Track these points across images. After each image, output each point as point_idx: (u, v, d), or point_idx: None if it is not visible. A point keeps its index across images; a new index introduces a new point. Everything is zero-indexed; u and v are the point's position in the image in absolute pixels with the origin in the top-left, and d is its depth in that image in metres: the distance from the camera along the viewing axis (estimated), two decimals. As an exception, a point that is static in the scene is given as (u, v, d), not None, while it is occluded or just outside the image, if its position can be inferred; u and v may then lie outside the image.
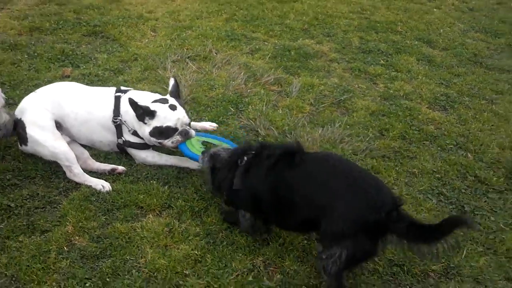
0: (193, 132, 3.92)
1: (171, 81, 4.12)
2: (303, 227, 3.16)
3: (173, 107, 3.88)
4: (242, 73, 5.42)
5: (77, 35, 5.99)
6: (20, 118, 3.81)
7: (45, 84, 4.74)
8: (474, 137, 4.76)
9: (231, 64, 5.64)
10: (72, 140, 4.02)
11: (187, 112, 3.97)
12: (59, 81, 4.58)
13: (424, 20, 7.68)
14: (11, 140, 4.04)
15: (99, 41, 5.96)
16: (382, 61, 6.21)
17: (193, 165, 3.93)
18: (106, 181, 3.74)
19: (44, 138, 3.73)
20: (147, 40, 6.09)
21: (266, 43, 6.35)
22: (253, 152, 3.31)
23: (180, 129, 3.85)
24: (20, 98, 4.52)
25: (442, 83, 5.80)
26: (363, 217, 2.75)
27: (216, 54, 5.87)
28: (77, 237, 3.25)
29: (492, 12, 8.34)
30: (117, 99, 3.98)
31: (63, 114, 3.93)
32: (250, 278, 3.10)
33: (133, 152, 4.00)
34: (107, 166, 3.88)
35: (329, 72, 5.83)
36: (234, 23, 6.81)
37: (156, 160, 4.00)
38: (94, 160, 3.94)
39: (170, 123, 3.83)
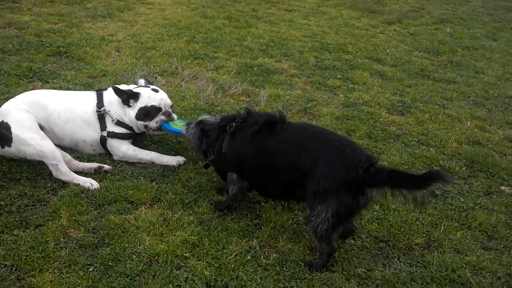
0: (175, 115, 4.14)
1: (141, 81, 4.35)
2: (286, 192, 3.35)
3: (155, 90, 4.12)
4: (211, 86, 5.60)
5: (42, 55, 6.00)
6: (3, 120, 3.80)
7: None
8: (433, 134, 5.14)
9: (198, 78, 5.82)
10: (55, 144, 4.02)
11: (168, 96, 4.19)
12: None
13: (371, 43, 8.20)
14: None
15: (64, 60, 6.00)
16: (339, 75, 6.58)
17: (171, 161, 4.06)
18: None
19: (30, 137, 3.73)
20: (112, 59, 6.18)
21: (228, 61, 6.59)
22: (241, 119, 3.54)
23: (163, 109, 4.04)
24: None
25: (396, 93, 6.21)
26: (342, 174, 2.98)
27: (183, 70, 6.03)
28: (72, 230, 3.27)
29: (431, 36, 9.01)
30: (100, 94, 4.13)
31: (46, 115, 3.96)
32: (249, 257, 3.21)
33: (115, 146, 4.06)
34: (93, 165, 3.90)
35: (292, 85, 6.12)
36: (196, 45, 7.03)
37: (137, 153, 4.08)
38: (78, 161, 3.95)
39: (154, 102, 4.04)
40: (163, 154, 4.18)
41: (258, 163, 3.35)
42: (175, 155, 4.22)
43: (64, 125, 4.02)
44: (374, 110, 5.58)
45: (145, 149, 4.17)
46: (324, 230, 3.04)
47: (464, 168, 4.58)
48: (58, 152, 3.75)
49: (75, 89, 5.15)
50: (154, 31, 7.42)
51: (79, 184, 3.69)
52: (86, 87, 5.21)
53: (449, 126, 5.42)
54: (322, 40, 8.02)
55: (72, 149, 4.12)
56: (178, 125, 4.07)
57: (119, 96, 4.02)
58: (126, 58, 6.22)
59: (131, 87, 4.21)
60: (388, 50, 7.88)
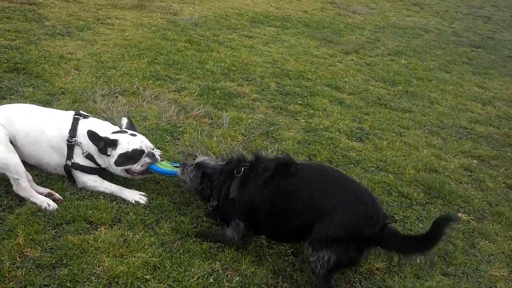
0: (158, 157, 3.96)
1: (124, 120, 4.17)
2: (297, 234, 3.25)
3: (133, 135, 3.93)
4: (173, 107, 5.56)
5: (-2, 71, 5.82)
6: None
7: None
8: (391, 161, 5.25)
9: (160, 99, 5.77)
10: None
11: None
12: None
13: (329, 71, 8.36)
14: None
15: (22, 77, 5.82)
16: (299, 101, 6.66)
17: (132, 196, 3.85)
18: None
19: None
20: (71, 77, 6.05)
21: (190, 83, 6.57)
22: (247, 163, 3.49)
23: (146, 151, 3.86)
24: None
25: (355, 120, 6.33)
26: (360, 228, 2.94)
27: (144, 90, 5.97)
28: (29, 249, 3.15)
29: (387, 66, 9.28)
30: (76, 120, 3.95)
31: (14, 131, 3.85)
32: (211, 280, 3.16)
33: (77, 175, 3.91)
34: (44, 190, 3.74)
35: (254, 109, 6.15)
36: (157, 66, 6.98)
37: (98, 185, 3.89)
38: (34, 184, 3.80)
39: (135, 146, 3.84)
40: (126, 188, 3.96)
41: (272, 208, 3.23)
42: (135, 189, 4.00)
43: (30, 145, 3.89)
44: (334, 136, 5.66)
45: (109, 181, 3.97)
46: (321, 273, 3.02)
47: (422, 194, 4.69)
48: (22, 168, 3.63)
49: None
50: (115, 51, 7.33)
51: (35, 203, 3.55)
52: (45, 104, 5.05)
53: (406, 153, 5.56)
54: (282, 67, 8.12)
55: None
56: (168, 165, 3.90)
57: (94, 144, 3.78)
58: (85, 77, 6.10)
59: (111, 128, 4.01)
60: (346, 79, 8.06)
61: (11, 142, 3.80)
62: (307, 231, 3.10)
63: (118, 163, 3.83)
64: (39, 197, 3.59)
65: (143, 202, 3.83)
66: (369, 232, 2.92)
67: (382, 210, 3.10)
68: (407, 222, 4.21)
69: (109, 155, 3.83)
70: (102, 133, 3.83)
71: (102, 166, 3.93)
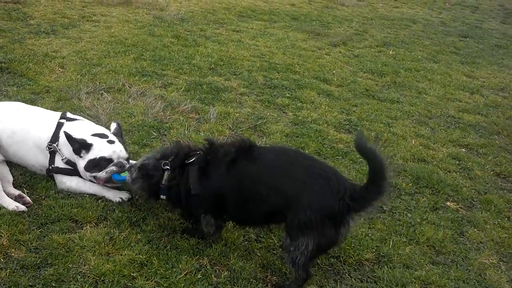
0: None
1: (113, 125, 4.11)
2: (267, 218, 3.22)
3: (111, 142, 3.83)
4: (159, 103, 5.51)
5: (-19, 71, 5.75)
6: None
7: None
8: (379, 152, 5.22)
9: (146, 95, 5.72)
10: (5, 160, 3.90)
11: (125, 148, 3.94)
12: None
13: (317, 63, 8.33)
14: None
15: (6, 76, 5.75)
16: (287, 94, 6.63)
17: (113, 196, 3.80)
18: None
19: None
20: (56, 75, 5.99)
21: (177, 79, 6.52)
22: (198, 151, 3.33)
23: (115, 161, 3.78)
24: None
25: (343, 111, 6.31)
26: (329, 204, 2.91)
27: (130, 87, 5.92)
28: (13, 250, 3.11)
29: (374, 58, 9.26)
30: (59, 125, 3.90)
31: (1, 131, 3.82)
32: (199, 276, 3.14)
33: (58, 178, 3.85)
34: (15, 192, 3.64)
35: (241, 103, 6.11)
36: (143, 62, 6.92)
37: (80, 186, 3.83)
38: (11, 185, 3.71)
39: (104, 154, 3.76)
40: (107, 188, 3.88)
41: (238, 193, 3.15)
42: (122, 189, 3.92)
43: (15, 145, 3.86)
44: (322, 128, 5.64)
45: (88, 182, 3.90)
46: (302, 262, 2.98)
47: (411, 184, 4.68)
48: None
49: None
50: (100, 48, 7.26)
51: (3, 205, 3.47)
52: (29, 103, 4.96)
53: (394, 143, 5.55)
54: (270, 60, 8.09)
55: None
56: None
57: (70, 144, 3.74)
58: (70, 75, 6.04)
59: (93, 129, 3.95)
60: (334, 71, 8.03)
61: None
62: (278, 215, 3.10)
63: (87, 168, 3.78)
64: (7, 200, 3.50)
65: (127, 196, 3.79)
66: (339, 206, 2.90)
67: (348, 182, 3.08)
68: (395, 212, 4.20)
69: (81, 157, 3.77)
70: (81, 134, 3.79)
71: None
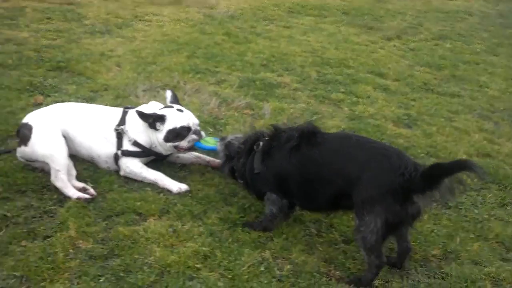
0: (203, 132, 4.06)
1: (168, 93, 4.27)
2: (333, 202, 3.22)
3: (180, 110, 4.01)
4: (214, 99, 5.53)
5: (42, 70, 5.90)
6: (28, 122, 3.86)
7: (19, 111, 4.74)
8: (442, 147, 5.08)
9: (201, 92, 5.75)
10: (71, 155, 3.99)
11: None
12: (33, 109, 4.51)
13: (371, 58, 8.17)
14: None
15: (65, 75, 5.91)
16: (342, 89, 6.52)
17: (173, 186, 3.85)
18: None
19: (47, 140, 3.75)
20: (113, 73, 6.10)
21: (230, 75, 6.53)
22: (266, 137, 3.46)
23: (193, 128, 3.93)
24: (-5, 123, 4.42)
25: (401, 106, 6.16)
26: (389, 180, 2.88)
27: (184, 84, 5.96)
28: (81, 241, 3.18)
29: (431, 51, 9.01)
30: (125, 112, 4.08)
31: (69, 126, 3.96)
32: (262, 269, 3.12)
33: (123, 161, 3.94)
34: (80, 184, 3.75)
35: (295, 99, 6.06)
36: (196, 60, 6.97)
37: (142, 171, 3.93)
38: (74, 179, 3.82)
39: (183, 123, 3.92)
40: (168, 177, 3.95)
41: (302, 177, 3.24)
42: (180, 181, 3.95)
43: (84, 137, 3.99)
44: (380, 123, 5.51)
45: (153, 169, 3.99)
46: (373, 241, 2.95)
47: (476, 180, 4.48)
48: (65, 161, 3.72)
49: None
50: (154, 46, 7.36)
51: (68, 194, 3.59)
52: (88, 101, 5.11)
53: (457, 138, 5.36)
54: (322, 55, 7.98)
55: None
56: (211, 142, 3.99)
57: (144, 121, 3.90)
58: (127, 73, 6.14)
59: (158, 106, 4.14)
60: (389, 65, 7.85)
61: (67, 137, 3.92)
62: (344, 199, 3.11)
63: (167, 139, 3.94)
64: (72, 190, 3.62)
65: (186, 188, 3.83)
66: (401, 180, 2.86)
67: (410, 160, 3.02)
68: (461, 208, 4.05)
69: (158, 130, 3.92)
70: (149, 111, 3.97)
71: (152, 146, 4.00)
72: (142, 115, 3.89)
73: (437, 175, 2.84)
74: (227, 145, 3.68)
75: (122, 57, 6.77)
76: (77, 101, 5.05)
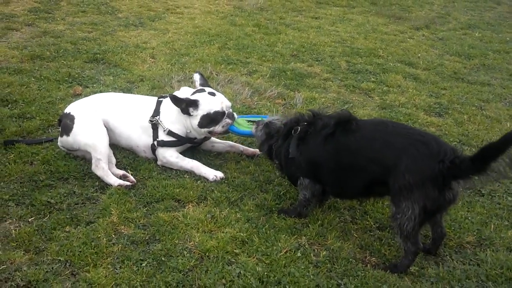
0: (236, 116, 4.10)
1: (196, 76, 4.31)
2: (367, 190, 3.25)
3: (212, 94, 4.05)
4: (246, 89, 5.62)
5: (79, 62, 6.09)
6: (70, 112, 3.99)
7: (59, 102, 4.88)
8: (473, 135, 5.07)
9: (233, 83, 5.85)
10: (113, 143, 4.13)
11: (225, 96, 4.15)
12: (72, 100, 4.68)
13: (401, 47, 8.15)
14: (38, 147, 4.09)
15: (102, 66, 6.07)
16: (372, 78, 6.55)
17: (209, 173, 3.94)
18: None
19: (88, 130, 3.88)
20: (148, 65, 6.24)
21: (261, 66, 6.61)
22: (305, 122, 3.49)
23: (226, 112, 3.98)
24: (36, 113, 4.60)
25: (432, 95, 6.15)
26: (429, 166, 2.88)
27: (217, 75, 6.07)
28: (122, 226, 3.29)
29: (460, 40, 8.94)
30: (159, 102, 4.14)
31: (110, 116, 4.08)
32: (299, 254, 3.18)
33: (160, 151, 4.04)
34: (120, 172, 3.87)
35: (326, 88, 6.11)
36: (228, 51, 7.07)
37: (179, 161, 4.03)
38: (114, 167, 3.95)
39: (217, 108, 3.96)
40: (204, 165, 4.05)
41: (336, 164, 3.26)
42: (216, 169, 4.04)
43: (123, 127, 4.11)
44: (411, 112, 5.53)
45: (189, 158, 4.09)
46: (410, 228, 2.96)
47: (508, 168, 4.49)
48: (106, 150, 3.84)
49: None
50: (186, 38, 7.48)
51: (109, 182, 3.72)
52: (125, 91, 5.25)
53: (488, 127, 5.35)
54: (352, 45, 8.00)
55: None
56: (243, 124, 4.05)
57: (176, 105, 3.95)
58: (161, 64, 6.27)
59: (190, 91, 4.18)
60: (419, 54, 7.83)
61: (107, 126, 4.04)
62: (379, 186, 3.12)
63: (201, 125, 4.00)
64: (113, 178, 3.75)
65: (221, 176, 3.92)
66: (439, 167, 2.85)
67: (448, 146, 3.01)
68: (495, 196, 4.06)
69: (191, 115, 3.97)
70: (182, 96, 4.02)
71: (186, 133, 4.07)
72: (175, 99, 3.92)
73: (489, 156, 2.78)
74: (268, 124, 3.69)
75: (156, 49, 6.91)
76: (116, 92, 5.22)
